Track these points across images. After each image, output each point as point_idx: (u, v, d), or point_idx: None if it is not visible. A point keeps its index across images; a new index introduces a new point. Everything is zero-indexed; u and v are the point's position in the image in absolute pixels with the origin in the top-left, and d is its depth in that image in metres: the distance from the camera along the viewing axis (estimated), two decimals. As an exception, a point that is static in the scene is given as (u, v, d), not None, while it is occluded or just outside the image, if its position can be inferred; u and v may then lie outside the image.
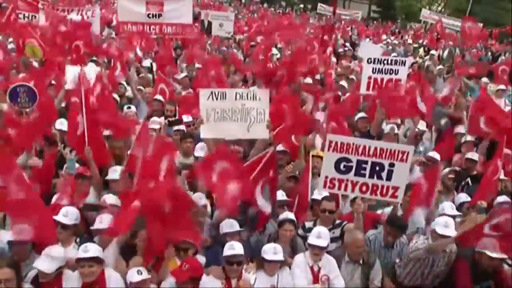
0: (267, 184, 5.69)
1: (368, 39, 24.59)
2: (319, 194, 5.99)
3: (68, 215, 4.85)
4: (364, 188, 5.35)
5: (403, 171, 5.28)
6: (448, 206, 5.91)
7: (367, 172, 5.28)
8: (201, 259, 5.04)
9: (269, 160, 5.71)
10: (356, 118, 8.46)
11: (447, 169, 7.25)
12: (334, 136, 5.47)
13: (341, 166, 5.30)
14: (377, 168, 5.25)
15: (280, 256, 4.90)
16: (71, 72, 8.29)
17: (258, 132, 5.99)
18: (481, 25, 26.54)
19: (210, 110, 6.00)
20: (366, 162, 5.25)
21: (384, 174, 5.25)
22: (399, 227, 5.57)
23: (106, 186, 6.05)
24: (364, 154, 5.23)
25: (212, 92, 6.02)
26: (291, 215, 5.50)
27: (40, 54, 10.42)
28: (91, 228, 4.98)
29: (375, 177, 5.28)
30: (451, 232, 5.15)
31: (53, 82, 9.10)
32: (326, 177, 5.38)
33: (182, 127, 7.80)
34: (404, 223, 5.72)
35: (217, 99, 5.97)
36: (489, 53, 24.05)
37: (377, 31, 32.22)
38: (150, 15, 13.22)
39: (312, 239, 5.06)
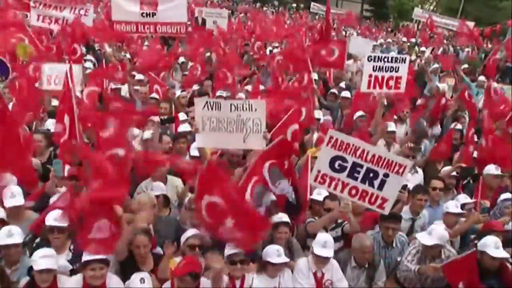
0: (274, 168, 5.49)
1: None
2: (318, 194, 5.90)
3: (59, 218, 4.65)
4: (353, 192, 5.18)
5: (396, 184, 5.12)
6: (452, 205, 5.86)
7: (360, 176, 5.12)
8: (201, 260, 4.92)
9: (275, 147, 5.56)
10: (355, 117, 8.43)
11: (449, 167, 7.21)
12: (336, 132, 5.32)
13: (336, 165, 5.14)
14: (371, 175, 5.08)
15: (284, 258, 4.81)
16: (48, 71, 8.18)
17: (254, 142, 5.85)
18: (473, 23, 26.72)
19: (205, 119, 5.90)
20: (361, 166, 5.09)
21: (376, 183, 5.09)
22: (393, 217, 5.50)
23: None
24: (361, 158, 5.07)
25: (207, 102, 5.91)
26: (285, 218, 5.38)
27: (32, 52, 10.23)
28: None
29: (367, 183, 5.12)
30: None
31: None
32: (319, 171, 5.22)
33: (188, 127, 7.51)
34: (398, 214, 5.65)
35: (212, 108, 5.86)
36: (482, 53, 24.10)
37: (370, 30, 32.33)
38: (144, 14, 13.06)
39: (317, 250, 4.88)
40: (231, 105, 5.87)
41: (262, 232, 4.91)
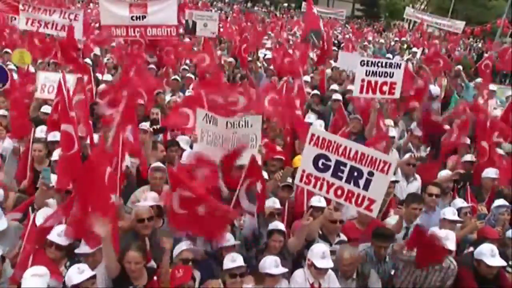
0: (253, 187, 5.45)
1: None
2: (318, 201, 5.73)
3: (62, 235, 4.55)
4: (339, 192, 5.03)
5: (382, 183, 4.91)
6: (449, 212, 5.81)
7: (345, 176, 4.96)
8: (196, 273, 4.82)
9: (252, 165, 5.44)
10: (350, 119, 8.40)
11: (447, 171, 7.16)
12: (317, 130, 5.23)
13: (320, 164, 5.02)
14: (355, 173, 4.92)
15: (282, 269, 4.74)
16: (43, 79, 8.13)
17: (249, 157, 5.71)
18: (464, 23, 26.89)
19: (204, 131, 5.87)
20: (345, 165, 4.94)
21: (361, 182, 4.92)
22: (387, 237, 5.34)
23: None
24: (344, 156, 4.91)
25: (206, 114, 5.90)
26: (280, 225, 5.30)
27: (28, 60, 10.11)
28: (76, 251, 4.64)
29: (352, 183, 4.96)
30: (451, 245, 5.03)
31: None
32: (304, 171, 5.11)
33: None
34: (391, 232, 5.49)
35: (210, 122, 5.84)
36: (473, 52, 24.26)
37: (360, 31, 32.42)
38: (134, 18, 12.88)
39: (318, 262, 4.77)
40: (227, 122, 5.84)
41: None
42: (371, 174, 4.88)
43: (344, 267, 5.04)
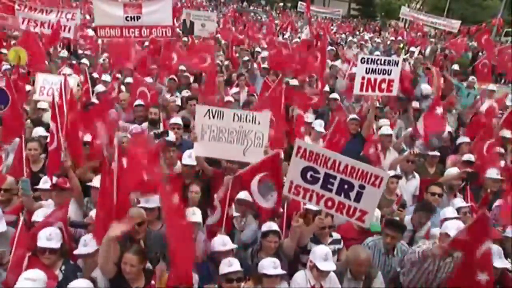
0: (267, 181, 5.43)
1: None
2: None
3: (52, 238, 4.46)
4: (329, 203, 4.88)
5: (374, 196, 4.76)
6: (449, 211, 5.80)
7: (335, 188, 4.80)
8: (194, 276, 4.75)
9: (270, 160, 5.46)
10: (348, 119, 8.28)
11: (455, 169, 7.12)
12: (303, 142, 5.09)
13: (308, 176, 4.84)
14: (346, 186, 4.76)
15: (280, 270, 4.68)
16: (42, 81, 8.12)
17: (254, 156, 5.68)
18: (459, 22, 26.94)
19: (206, 128, 5.80)
20: (334, 177, 4.78)
21: (352, 194, 4.77)
22: (399, 227, 5.37)
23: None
24: (333, 169, 4.73)
25: (209, 110, 5.81)
26: (275, 226, 5.24)
27: (25, 58, 10.07)
28: (74, 253, 4.61)
29: (342, 195, 4.80)
30: None
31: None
32: (292, 182, 4.94)
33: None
34: (403, 225, 5.53)
35: (214, 117, 5.76)
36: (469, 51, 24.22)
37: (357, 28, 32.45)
38: (128, 18, 12.79)
39: (320, 264, 4.71)
40: (234, 115, 5.78)
41: None
42: (362, 187, 4.73)
43: (359, 268, 4.96)
